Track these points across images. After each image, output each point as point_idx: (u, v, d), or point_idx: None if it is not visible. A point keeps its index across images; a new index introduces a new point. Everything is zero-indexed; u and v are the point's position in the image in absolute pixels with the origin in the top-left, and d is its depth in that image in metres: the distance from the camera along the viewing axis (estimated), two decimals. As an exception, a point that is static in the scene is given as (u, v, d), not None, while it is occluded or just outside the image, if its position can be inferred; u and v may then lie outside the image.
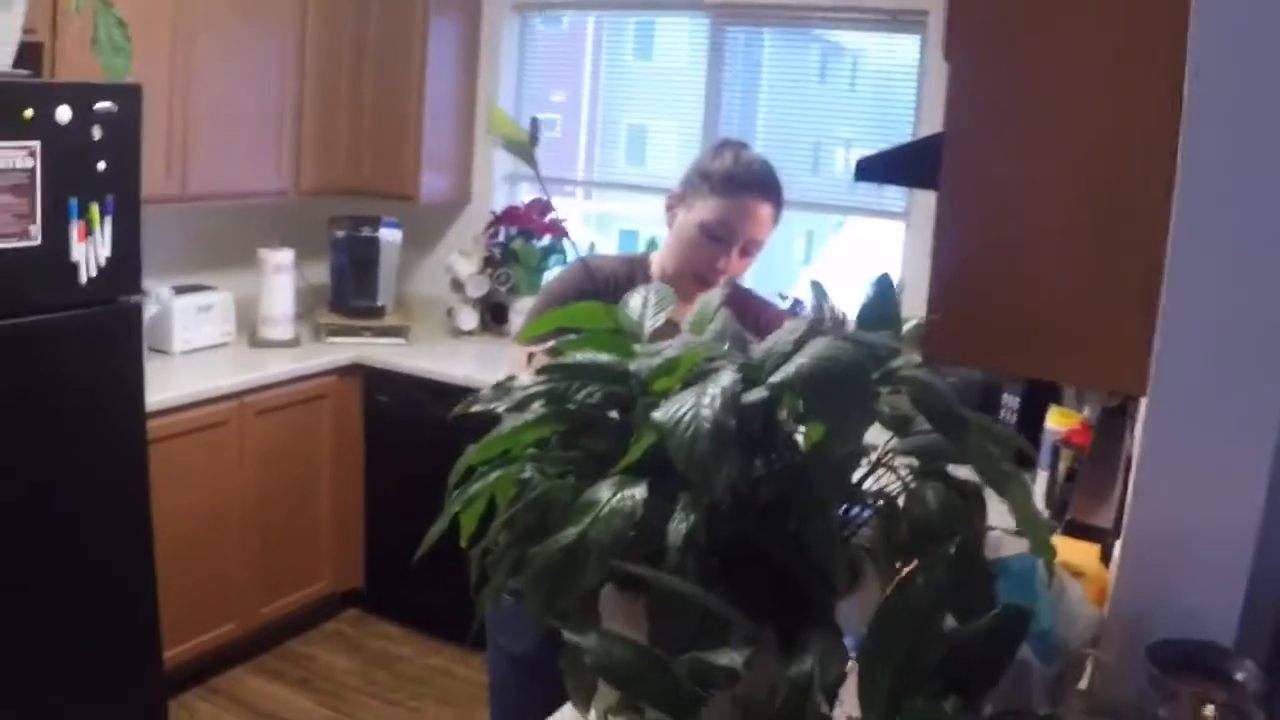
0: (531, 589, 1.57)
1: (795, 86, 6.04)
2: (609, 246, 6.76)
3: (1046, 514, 3.43)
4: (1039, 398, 4.10)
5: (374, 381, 5.88)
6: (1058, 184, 2.12)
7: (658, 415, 1.50)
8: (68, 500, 4.20)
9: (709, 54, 6.04)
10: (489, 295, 6.31)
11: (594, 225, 6.97)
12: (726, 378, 1.54)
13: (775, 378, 1.54)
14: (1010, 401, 4.39)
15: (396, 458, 5.74)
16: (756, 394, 1.57)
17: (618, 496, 1.57)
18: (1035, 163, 2.14)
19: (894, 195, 5.67)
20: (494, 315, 6.34)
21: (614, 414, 1.76)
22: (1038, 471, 3.79)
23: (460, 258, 6.39)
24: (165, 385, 4.94)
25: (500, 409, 1.79)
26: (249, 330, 5.91)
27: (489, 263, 6.31)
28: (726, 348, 1.77)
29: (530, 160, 1.85)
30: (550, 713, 2.28)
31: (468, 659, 5.57)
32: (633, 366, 1.73)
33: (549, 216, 6.28)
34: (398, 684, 5.57)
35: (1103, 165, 2.07)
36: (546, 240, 6.32)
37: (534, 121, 1.78)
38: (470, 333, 6.34)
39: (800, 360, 1.54)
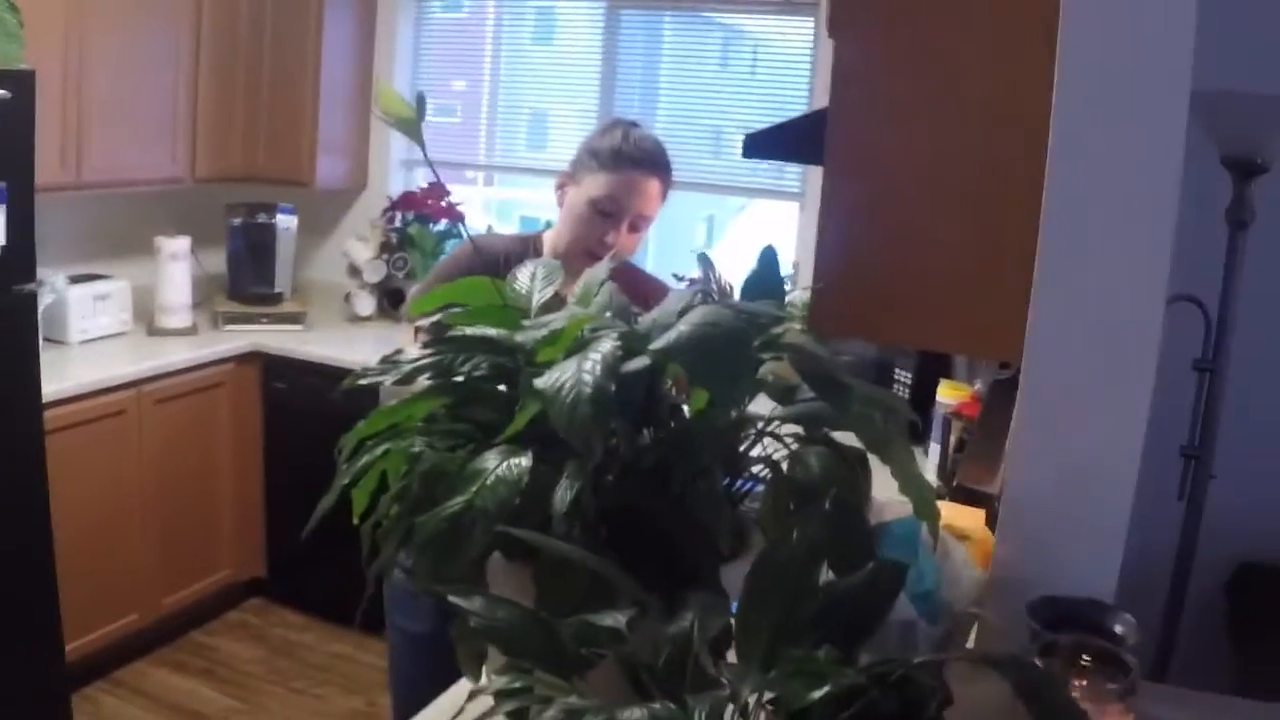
0: (418, 558, 1.58)
1: (696, 71, 6.07)
2: (509, 231, 6.78)
3: (939, 485, 3.48)
4: (931, 372, 4.15)
5: (272, 368, 5.87)
6: (939, 158, 2.15)
7: (539, 383, 1.52)
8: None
9: (604, 38, 6.07)
10: (386, 280, 6.30)
11: (495, 212, 6.96)
12: (607, 345, 1.55)
13: (656, 344, 1.56)
14: (903, 376, 4.45)
15: (296, 444, 5.71)
16: (639, 362, 1.59)
17: (503, 465, 1.58)
18: (917, 137, 2.16)
19: (791, 177, 5.73)
20: (391, 300, 6.33)
21: (501, 386, 1.78)
22: (930, 444, 3.84)
23: (357, 243, 6.38)
24: (62, 375, 4.91)
25: (388, 382, 1.80)
26: (146, 319, 5.88)
27: (386, 248, 6.31)
28: (610, 318, 1.78)
29: (417, 137, 1.86)
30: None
31: (370, 645, 5.57)
32: (518, 338, 1.75)
33: (445, 201, 6.27)
34: (302, 671, 5.56)
35: (983, 139, 2.10)
36: (443, 225, 6.31)
37: (420, 97, 1.78)
38: (368, 318, 6.34)
39: (681, 327, 1.55)
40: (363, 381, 1.83)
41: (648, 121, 5.41)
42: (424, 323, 2.12)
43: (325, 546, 5.39)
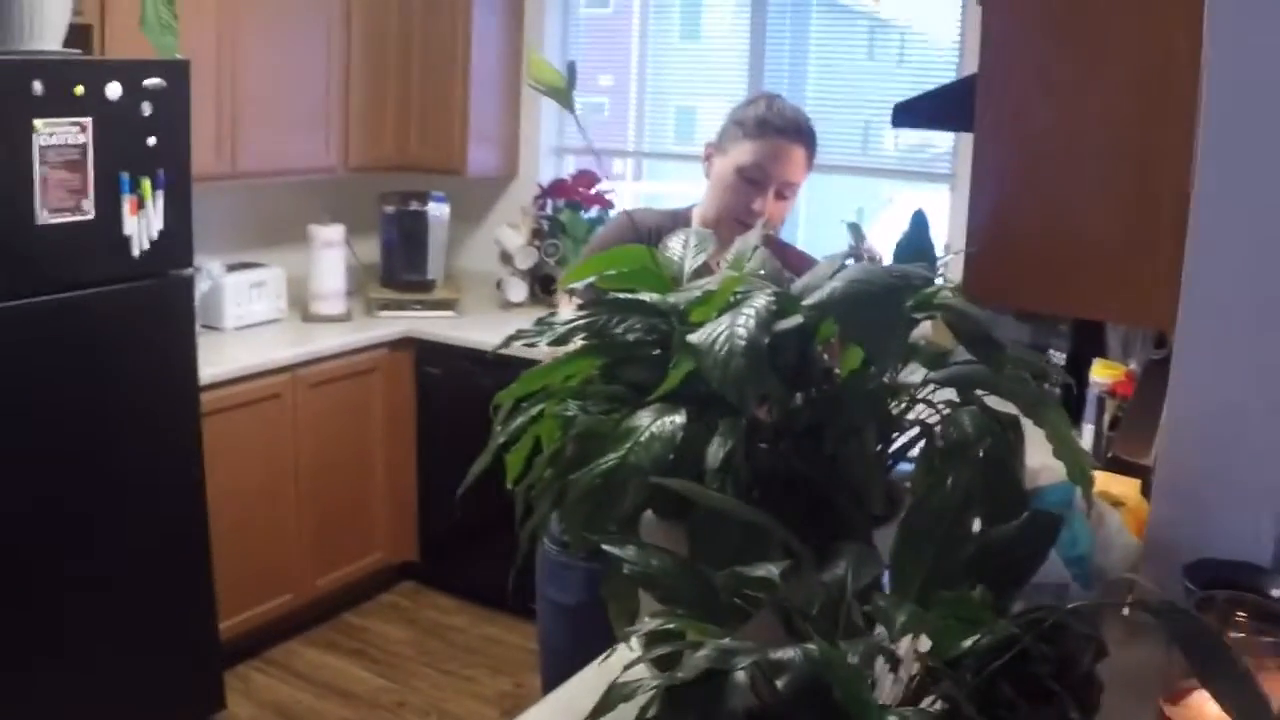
0: (572, 515, 1.59)
1: (843, 63, 6.03)
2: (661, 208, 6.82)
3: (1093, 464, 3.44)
4: (1085, 353, 4.09)
5: (425, 354, 5.92)
6: (1090, 125, 2.13)
7: (693, 337, 1.53)
8: (122, 472, 4.26)
9: (751, 31, 6.05)
10: (537, 267, 6.32)
11: (644, 204, 6.97)
12: (761, 300, 1.56)
13: (809, 300, 1.56)
14: (1057, 359, 4.39)
15: (448, 429, 5.75)
16: (792, 320, 1.60)
17: (657, 422, 1.59)
18: (1068, 105, 2.15)
19: (941, 161, 5.68)
20: (543, 286, 6.35)
21: (655, 348, 1.79)
22: (1084, 426, 3.79)
23: (508, 230, 6.41)
24: (218, 360, 4.99)
25: (542, 344, 1.82)
26: (301, 306, 5.96)
27: (537, 235, 6.33)
28: (763, 280, 1.78)
29: (568, 104, 1.88)
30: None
31: (519, 627, 5.60)
32: (671, 299, 1.76)
33: (595, 188, 6.30)
34: (451, 653, 5.61)
35: (1135, 107, 2.08)
36: (594, 211, 6.32)
37: (571, 66, 1.79)
38: (520, 304, 6.34)
39: (834, 284, 1.56)
40: (518, 342, 1.85)
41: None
42: (578, 285, 2.13)
43: (477, 530, 5.44)
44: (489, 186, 6.71)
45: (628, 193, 6.80)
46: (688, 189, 6.07)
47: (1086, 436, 3.70)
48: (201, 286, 5.16)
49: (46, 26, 3.93)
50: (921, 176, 5.82)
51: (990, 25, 2.24)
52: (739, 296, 1.67)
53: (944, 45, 5.58)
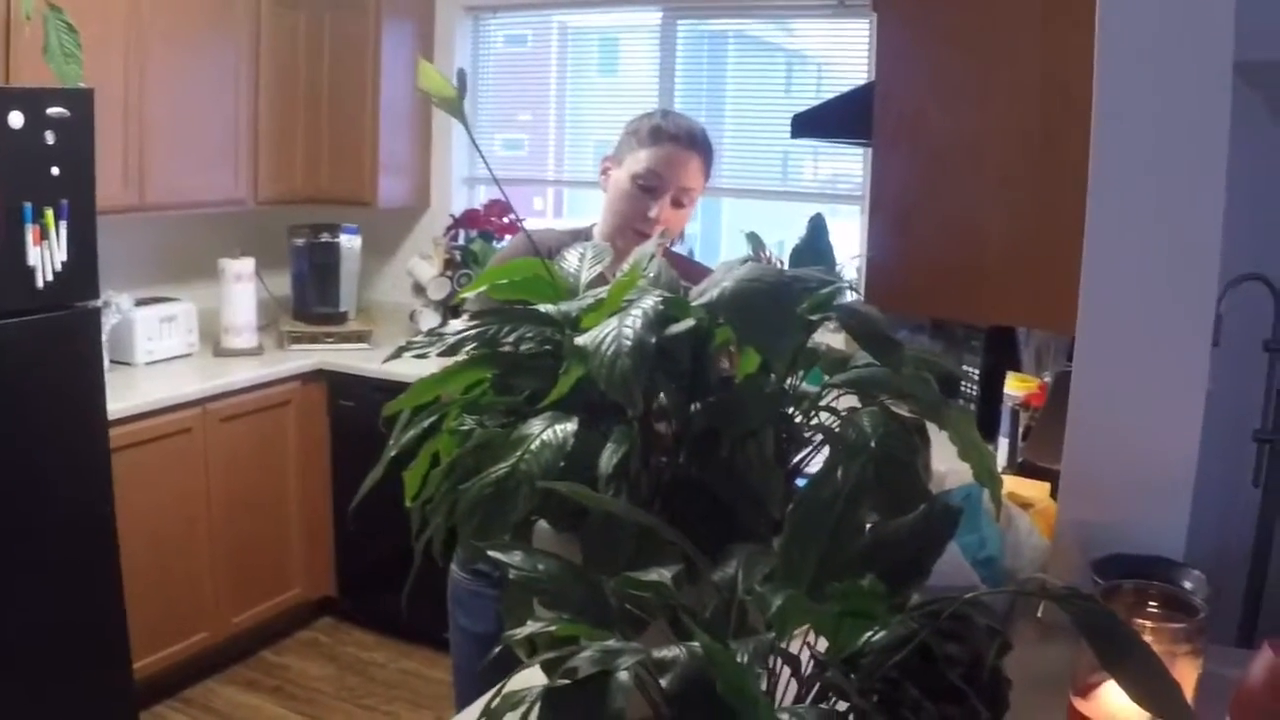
0: (463, 525, 1.56)
1: (760, 96, 6.06)
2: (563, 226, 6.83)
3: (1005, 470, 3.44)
4: (998, 366, 4.10)
5: (338, 387, 5.88)
6: (986, 130, 2.13)
7: (580, 340, 1.50)
8: (30, 508, 4.18)
9: (661, 52, 6.07)
10: (450, 297, 6.29)
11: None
12: (648, 301, 1.53)
13: (700, 301, 1.53)
14: (970, 374, 4.40)
15: (363, 462, 5.62)
16: (684, 325, 1.57)
17: (548, 430, 1.56)
18: (963, 110, 2.15)
19: (852, 184, 5.70)
20: (455, 317, 6.32)
21: (547, 356, 1.76)
22: (1000, 439, 3.79)
23: (421, 261, 6.39)
24: (128, 394, 4.94)
25: (433, 353, 1.78)
26: (212, 340, 5.91)
27: (449, 265, 6.30)
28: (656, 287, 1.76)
29: (459, 114, 1.85)
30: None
31: (440, 661, 5.56)
32: (563, 307, 1.73)
33: (507, 217, 6.28)
34: (371, 689, 5.56)
35: (1034, 114, 2.08)
36: (506, 241, 6.30)
37: (460, 74, 1.77)
38: (434, 336, 6.30)
39: (724, 283, 1.53)
40: (409, 354, 1.82)
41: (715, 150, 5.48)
42: (470, 294, 2.10)
43: (394, 564, 5.39)
44: (400, 217, 6.70)
45: (546, 228, 6.78)
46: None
47: (1002, 450, 3.69)
48: (110, 320, 5.11)
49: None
50: (835, 199, 5.81)
51: (886, 34, 2.25)
52: (630, 301, 1.64)
53: (862, 77, 5.58)
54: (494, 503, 1.53)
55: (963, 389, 4.39)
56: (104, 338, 4.51)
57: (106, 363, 4.56)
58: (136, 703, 4.81)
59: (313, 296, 6.31)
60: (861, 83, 5.23)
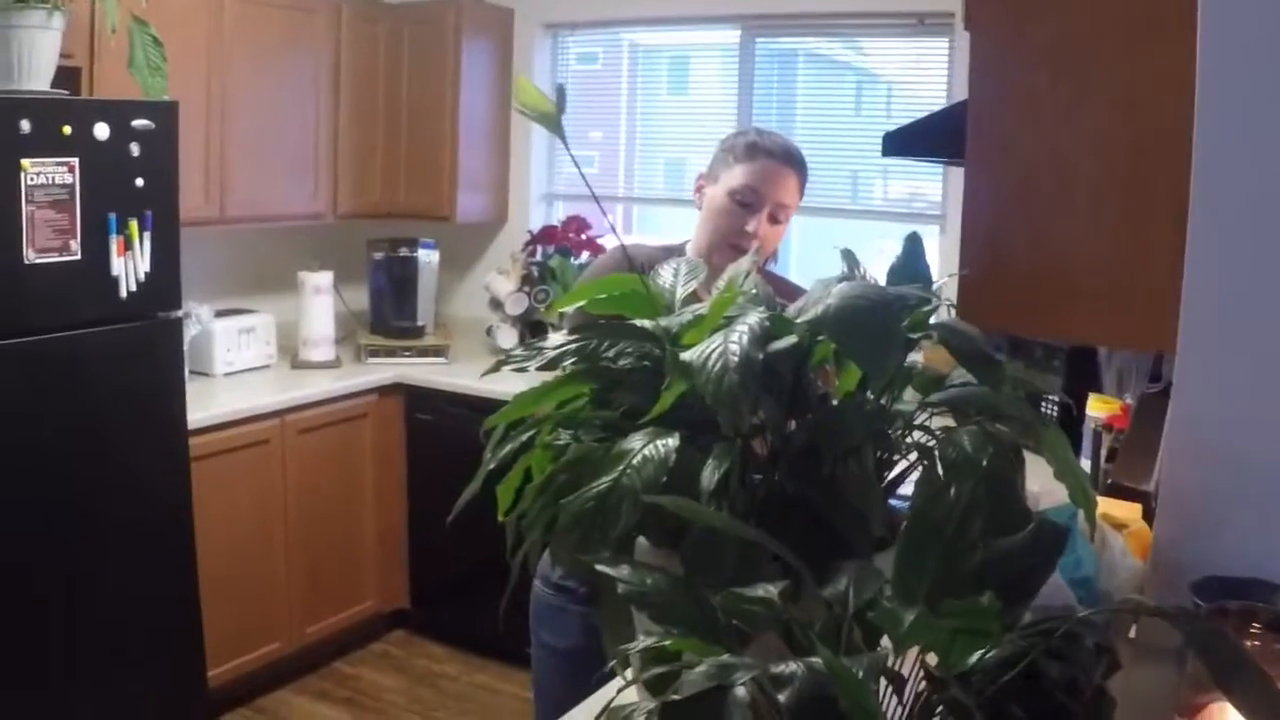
0: (563, 540, 1.56)
1: (830, 115, 6.07)
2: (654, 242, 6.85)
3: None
4: (1079, 387, 4.08)
5: (415, 400, 5.92)
6: (1081, 151, 2.12)
7: (686, 355, 1.51)
8: (110, 516, 4.22)
9: (739, 87, 6.08)
10: (527, 313, 6.31)
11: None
12: (753, 318, 1.54)
13: (804, 317, 1.54)
14: (1050, 396, 4.38)
15: (439, 476, 5.67)
16: (786, 341, 1.58)
17: (650, 446, 1.56)
18: (1059, 131, 2.14)
19: (929, 203, 5.69)
20: (533, 333, 6.33)
21: (647, 372, 1.76)
22: (1081, 459, 3.77)
23: (498, 276, 6.40)
24: (207, 404, 4.99)
25: (532, 367, 1.79)
26: (290, 352, 5.96)
27: (527, 281, 6.31)
28: (756, 302, 1.76)
29: (557, 130, 1.86)
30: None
31: (512, 675, 5.57)
32: (663, 323, 1.73)
33: (585, 234, 6.29)
34: (443, 701, 5.57)
35: (1126, 133, 2.07)
36: (584, 257, 6.32)
37: (560, 90, 1.77)
38: (510, 350, 6.31)
39: (828, 301, 1.53)
40: (507, 366, 1.83)
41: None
42: (569, 309, 2.11)
43: (468, 578, 5.42)
44: (478, 233, 6.73)
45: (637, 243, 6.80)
46: (678, 238, 6.08)
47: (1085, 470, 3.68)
48: (191, 331, 5.15)
49: (36, 67, 3.93)
50: (911, 218, 5.80)
51: (978, 52, 2.24)
52: (731, 317, 1.64)
53: (932, 97, 5.58)
54: (596, 517, 1.53)
55: (1043, 409, 4.37)
56: (184, 348, 4.55)
57: (187, 373, 4.60)
58: (210, 711, 4.85)
59: (390, 310, 6.34)
60: (946, 103, 5.29)
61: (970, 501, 1.32)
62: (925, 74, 5.70)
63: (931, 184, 5.68)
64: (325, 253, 6.17)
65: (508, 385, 5.43)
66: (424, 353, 6.16)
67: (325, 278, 5.96)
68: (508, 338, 6.31)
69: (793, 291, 3.22)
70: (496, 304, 6.37)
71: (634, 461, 1.55)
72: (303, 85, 5.73)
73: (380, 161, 6.21)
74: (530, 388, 1.78)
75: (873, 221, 6.06)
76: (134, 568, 4.33)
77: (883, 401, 1.72)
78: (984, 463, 1.39)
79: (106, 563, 4.22)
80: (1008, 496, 1.42)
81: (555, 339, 1.82)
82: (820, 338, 1.63)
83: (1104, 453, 3.52)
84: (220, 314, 5.60)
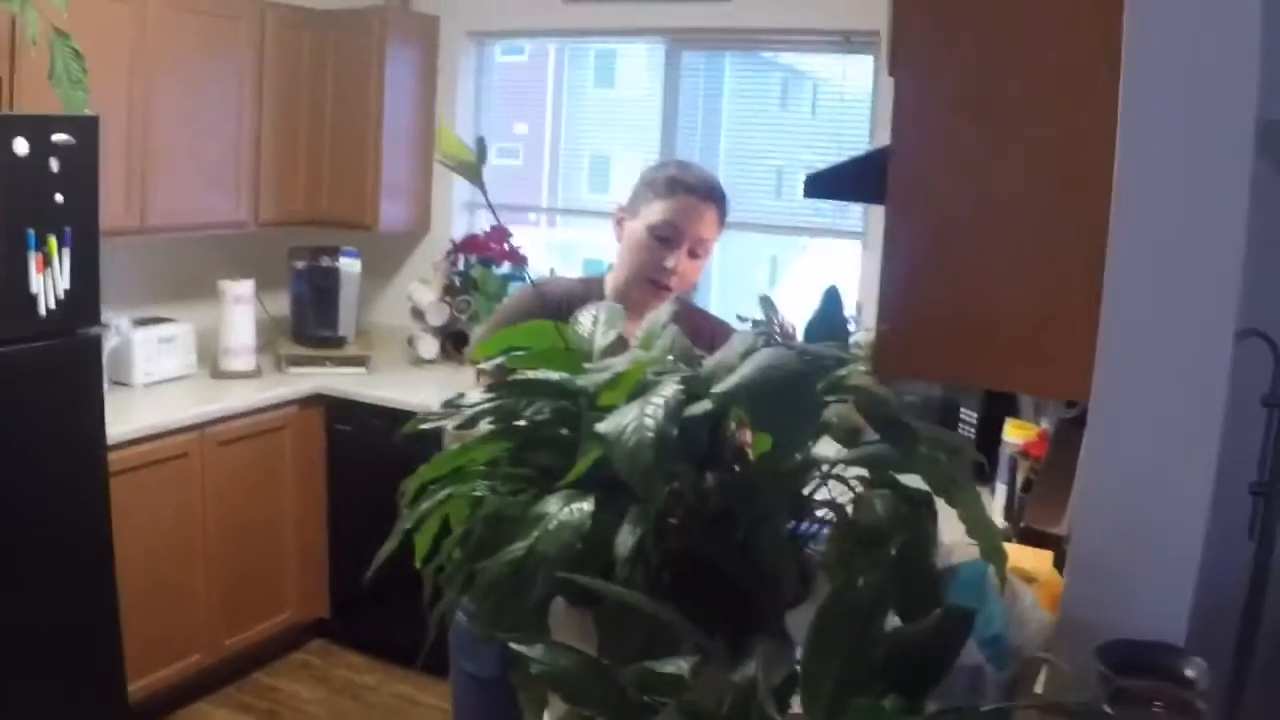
0: (480, 603, 1.57)
1: (757, 111, 6.08)
2: (572, 273, 6.80)
3: (1005, 526, 3.45)
4: (997, 411, 4.12)
5: (336, 411, 5.90)
6: (1003, 200, 2.14)
7: (601, 427, 1.51)
8: (28, 532, 4.20)
9: (665, 78, 6.07)
10: (449, 323, 6.31)
11: (558, 254, 6.98)
12: (669, 388, 1.55)
13: (719, 388, 1.55)
14: (969, 416, 4.41)
15: (359, 487, 5.72)
16: (701, 406, 1.58)
17: (565, 510, 1.57)
18: (981, 179, 2.16)
19: (853, 216, 5.71)
20: (455, 343, 6.34)
21: (564, 430, 1.77)
22: (996, 484, 3.81)
23: (420, 286, 6.40)
24: (126, 417, 4.94)
25: (450, 425, 1.79)
26: (210, 362, 5.91)
27: (449, 290, 6.31)
28: (673, 361, 1.77)
29: (478, 182, 1.86)
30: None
31: (432, 687, 5.56)
32: (580, 382, 1.74)
33: (508, 243, 6.28)
34: (364, 713, 5.56)
35: (1046, 178, 2.10)
36: (506, 267, 6.32)
37: (480, 142, 1.77)
38: (431, 361, 6.34)
39: (743, 371, 1.54)
40: (424, 425, 1.83)
41: (710, 163, 5.47)
42: (487, 365, 2.11)
43: (388, 588, 5.40)
44: (401, 242, 6.71)
45: (541, 241, 6.81)
46: (601, 239, 6.06)
47: (999, 497, 3.72)
48: (110, 342, 5.11)
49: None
50: (835, 234, 5.83)
51: (902, 99, 2.26)
52: (648, 380, 1.65)
53: (857, 95, 5.63)
54: (511, 583, 1.54)
55: (960, 430, 4.40)
56: (104, 360, 4.51)
57: (106, 384, 4.57)
58: (130, 723, 4.82)
59: (312, 319, 6.31)
60: (866, 115, 5.33)
61: (878, 592, 1.33)
62: (852, 74, 5.73)
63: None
64: (247, 261, 6.14)
65: (427, 397, 5.48)
66: (345, 363, 6.15)
67: (246, 286, 5.92)
68: (429, 348, 6.31)
69: (713, 328, 3.25)
70: (418, 313, 6.37)
71: (549, 526, 1.56)
72: (226, 93, 5.68)
73: (303, 169, 6.18)
74: (448, 450, 1.78)
75: (794, 237, 6.10)
76: (52, 583, 4.31)
77: (798, 457, 1.74)
78: (894, 550, 1.41)
79: (24, 578, 4.20)
80: (918, 579, 1.44)
81: (473, 395, 1.83)
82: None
83: (1020, 480, 3.56)
84: (140, 323, 5.56)
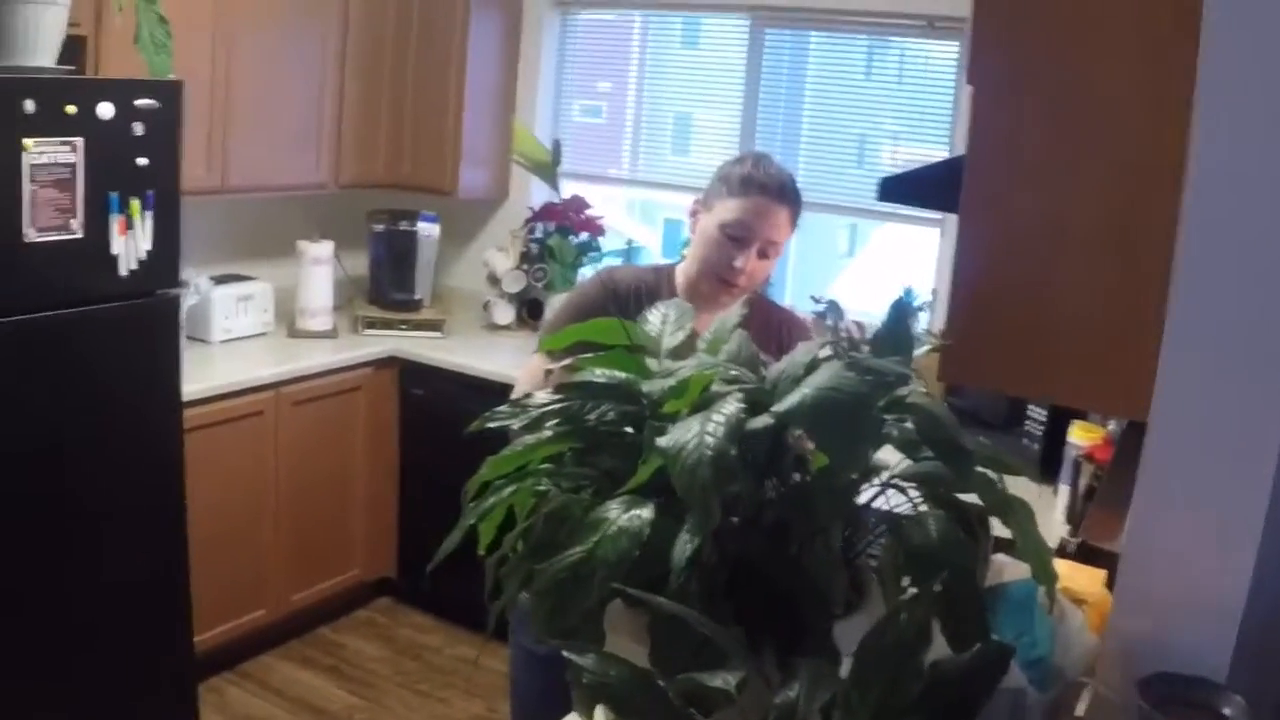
0: (538, 604, 1.60)
1: (840, 80, 6.03)
2: (653, 237, 6.81)
3: (1067, 529, 3.46)
4: (1064, 410, 4.11)
5: (409, 374, 5.94)
6: (1076, 214, 2.14)
7: (662, 442, 1.54)
8: (104, 487, 4.27)
9: (749, 53, 6.06)
10: (525, 291, 6.35)
11: (637, 213, 6.99)
12: (731, 406, 1.57)
13: (780, 406, 1.57)
14: (1036, 413, 4.40)
15: (430, 449, 5.78)
16: (762, 421, 1.61)
17: (625, 516, 1.60)
18: (1054, 192, 2.16)
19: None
20: (529, 310, 6.37)
21: (628, 430, 1.80)
22: (1060, 485, 3.81)
23: (497, 253, 6.43)
24: (203, 375, 5.02)
25: (515, 426, 1.82)
26: (287, 321, 5.98)
27: (525, 258, 6.34)
28: (737, 371, 1.79)
29: (552, 181, 1.89)
30: (569, 711, 2.33)
31: (495, 650, 5.56)
32: (645, 388, 1.77)
33: (585, 213, 6.29)
34: (426, 674, 5.63)
35: (1120, 197, 2.09)
36: (583, 237, 6.34)
37: (556, 144, 1.79)
38: (506, 327, 6.37)
39: (805, 390, 1.57)
40: (491, 424, 1.86)
41: (793, 132, 5.44)
42: (555, 367, 2.14)
43: (455, 551, 5.45)
44: (479, 208, 6.74)
45: (621, 199, 6.84)
46: (682, 199, 6.06)
47: (1061, 498, 3.72)
48: (189, 300, 5.15)
49: (42, 42, 3.93)
50: (913, 220, 5.79)
51: (977, 106, 2.26)
52: (712, 392, 1.67)
53: (943, 67, 5.62)
54: (570, 586, 1.57)
55: (1027, 428, 4.39)
56: (182, 317, 4.57)
57: (183, 340, 4.62)
58: (196, 674, 4.90)
59: (388, 282, 6.36)
60: (953, 105, 5.30)
61: (921, 627, 1.36)
62: (937, 52, 5.70)
63: (941, 151, 5.59)
64: (326, 222, 6.19)
65: (500, 364, 5.51)
66: (420, 326, 6.19)
67: (325, 248, 5.98)
68: (504, 314, 6.35)
69: (783, 321, 3.26)
70: (494, 280, 6.39)
71: (609, 532, 1.58)
72: (309, 56, 5.73)
73: (384, 133, 6.21)
74: (512, 449, 1.81)
75: (876, 221, 6.08)
76: (126, 534, 4.38)
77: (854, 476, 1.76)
78: (939, 586, 1.43)
79: (99, 531, 4.27)
80: (966, 599, 1.46)
81: (540, 397, 1.85)
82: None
83: (1083, 484, 3.56)
84: (219, 280, 5.62)
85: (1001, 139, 2.22)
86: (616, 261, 6.09)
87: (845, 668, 1.47)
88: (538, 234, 6.43)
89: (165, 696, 4.69)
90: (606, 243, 6.42)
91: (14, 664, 4.05)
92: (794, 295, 3.62)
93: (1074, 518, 3.56)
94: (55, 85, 3.93)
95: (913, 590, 1.59)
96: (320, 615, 5.92)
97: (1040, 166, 2.18)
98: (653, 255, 6.73)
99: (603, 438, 1.80)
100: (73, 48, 4.30)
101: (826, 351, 1.77)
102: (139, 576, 4.45)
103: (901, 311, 1.93)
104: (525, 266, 6.31)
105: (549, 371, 2.76)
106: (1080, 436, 3.75)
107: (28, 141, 3.79)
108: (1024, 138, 2.19)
